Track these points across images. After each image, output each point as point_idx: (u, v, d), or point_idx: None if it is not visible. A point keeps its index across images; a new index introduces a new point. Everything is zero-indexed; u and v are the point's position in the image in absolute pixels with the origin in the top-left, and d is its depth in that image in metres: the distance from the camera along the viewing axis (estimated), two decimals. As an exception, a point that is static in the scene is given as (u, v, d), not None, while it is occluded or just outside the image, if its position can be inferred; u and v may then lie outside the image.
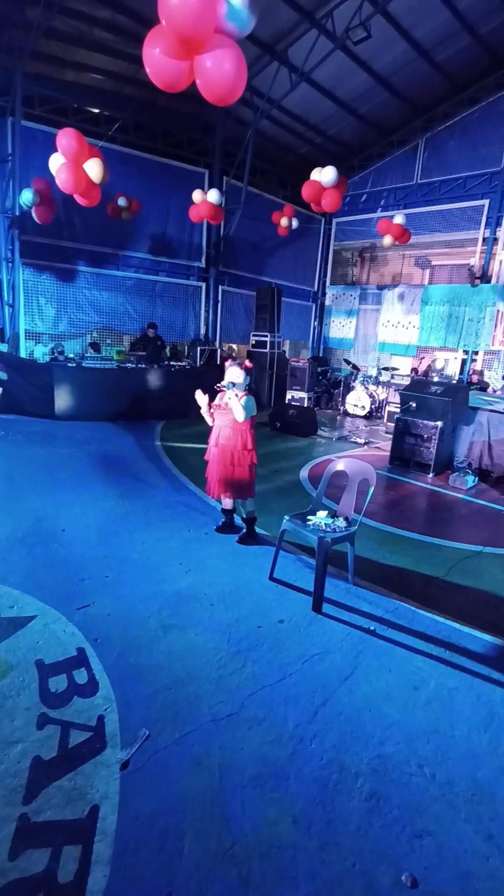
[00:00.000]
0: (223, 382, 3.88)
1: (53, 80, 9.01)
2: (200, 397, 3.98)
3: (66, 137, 6.43)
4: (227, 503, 4.22)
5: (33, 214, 8.16)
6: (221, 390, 3.91)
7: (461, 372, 11.46)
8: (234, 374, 3.89)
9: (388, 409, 10.07)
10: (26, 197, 7.89)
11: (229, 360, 4.08)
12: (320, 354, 14.63)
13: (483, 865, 1.73)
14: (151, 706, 2.31)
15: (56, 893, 1.55)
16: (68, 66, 8.84)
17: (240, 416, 3.78)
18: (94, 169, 6.77)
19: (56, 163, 6.72)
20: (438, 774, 2.08)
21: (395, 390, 9.70)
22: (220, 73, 3.69)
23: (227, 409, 3.87)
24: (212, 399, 4.02)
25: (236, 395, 3.79)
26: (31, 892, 1.54)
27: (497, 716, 2.43)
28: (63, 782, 1.90)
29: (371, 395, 10.75)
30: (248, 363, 4.04)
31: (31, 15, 7.35)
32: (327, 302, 14.45)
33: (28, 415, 7.84)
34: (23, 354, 9.17)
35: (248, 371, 3.97)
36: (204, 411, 4.01)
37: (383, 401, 10.69)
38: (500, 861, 1.75)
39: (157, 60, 3.71)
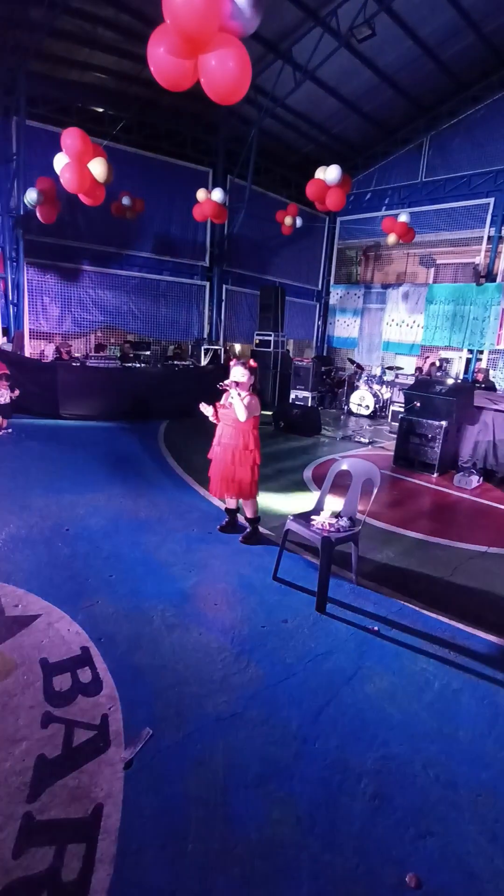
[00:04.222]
0: (226, 381, 3.88)
1: (57, 80, 9.03)
2: (205, 408, 3.99)
3: (70, 137, 6.44)
4: (231, 502, 4.22)
5: (37, 214, 8.18)
6: (224, 389, 3.91)
7: (466, 371, 11.41)
8: (237, 373, 3.89)
9: (392, 408, 10.04)
10: (31, 196, 7.91)
11: (234, 360, 4.08)
12: (324, 354, 14.61)
13: (487, 866, 1.73)
14: (155, 705, 2.31)
15: (60, 892, 1.55)
16: (72, 66, 8.86)
17: (241, 415, 3.78)
18: (98, 168, 6.79)
19: (61, 162, 6.74)
20: (443, 775, 2.07)
21: (400, 390, 9.67)
22: (224, 72, 3.68)
23: (231, 409, 3.87)
24: (218, 399, 4.02)
25: (239, 395, 3.79)
26: (34, 891, 1.55)
27: (502, 717, 2.41)
28: (67, 781, 1.91)
29: (375, 395, 10.73)
30: (252, 363, 4.02)
31: (35, 14, 7.36)
32: (331, 301, 14.43)
33: (32, 414, 7.86)
34: (27, 353, 9.20)
35: (252, 370, 3.96)
36: (211, 417, 4.02)
37: (387, 400, 10.65)
38: (505, 863, 1.74)
39: (162, 59, 3.70)
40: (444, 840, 1.80)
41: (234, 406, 3.80)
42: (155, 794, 1.89)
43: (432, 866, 1.71)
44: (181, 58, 3.67)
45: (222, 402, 3.99)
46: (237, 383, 3.84)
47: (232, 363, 3.99)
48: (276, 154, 12.23)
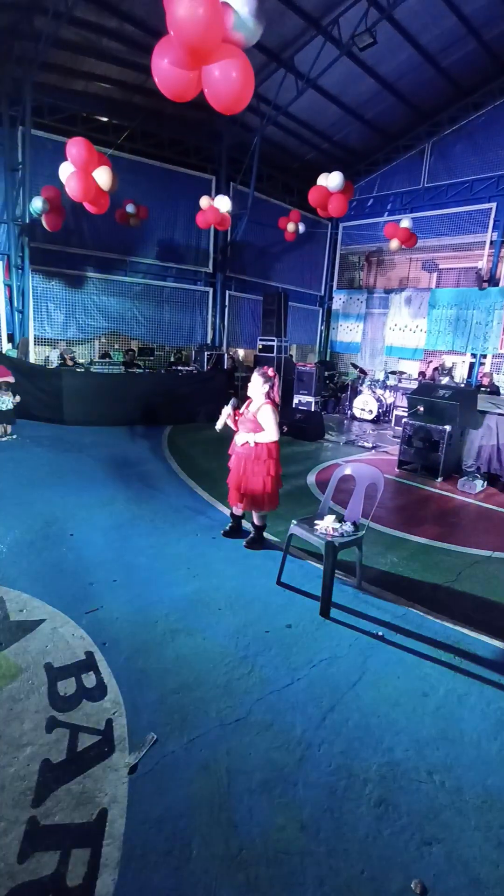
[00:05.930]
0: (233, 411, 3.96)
1: (62, 90, 9.15)
2: (224, 420, 4.01)
3: (75, 146, 6.51)
4: (238, 509, 4.22)
5: (43, 222, 8.27)
6: (237, 414, 3.98)
7: (469, 375, 11.41)
8: (255, 382, 3.90)
9: (395, 413, 10.04)
10: (36, 205, 8.00)
11: (256, 368, 4.07)
12: (327, 358, 14.64)
13: (493, 872, 1.72)
14: (159, 710, 2.31)
15: (65, 896, 1.55)
16: (77, 76, 8.98)
17: (270, 438, 3.81)
18: (103, 177, 6.86)
19: (66, 171, 6.82)
20: (448, 781, 2.06)
21: (403, 394, 9.67)
22: (227, 83, 3.73)
23: (247, 420, 3.88)
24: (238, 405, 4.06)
25: (251, 420, 3.83)
26: (39, 895, 1.55)
27: (507, 722, 2.40)
28: (72, 786, 1.91)
29: (378, 399, 10.73)
30: (270, 371, 3.94)
31: (40, 25, 7.47)
32: (334, 306, 14.46)
33: (37, 419, 7.91)
34: (32, 359, 9.26)
35: (269, 379, 3.91)
36: (229, 421, 4.01)
37: (391, 405, 10.66)
38: (511, 870, 1.73)
39: (166, 71, 3.75)
40: (450, 846, 1.80)
41: (257, 440, 3.82)
42: (159, 800, 1.89)
43: (438, 872, 1.71)
44: (185, 69, 3.72)
45: (242, 409, 4.00)
46: (239, 408, 3.90)
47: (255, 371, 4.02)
48: (279, 161, 12.32)
